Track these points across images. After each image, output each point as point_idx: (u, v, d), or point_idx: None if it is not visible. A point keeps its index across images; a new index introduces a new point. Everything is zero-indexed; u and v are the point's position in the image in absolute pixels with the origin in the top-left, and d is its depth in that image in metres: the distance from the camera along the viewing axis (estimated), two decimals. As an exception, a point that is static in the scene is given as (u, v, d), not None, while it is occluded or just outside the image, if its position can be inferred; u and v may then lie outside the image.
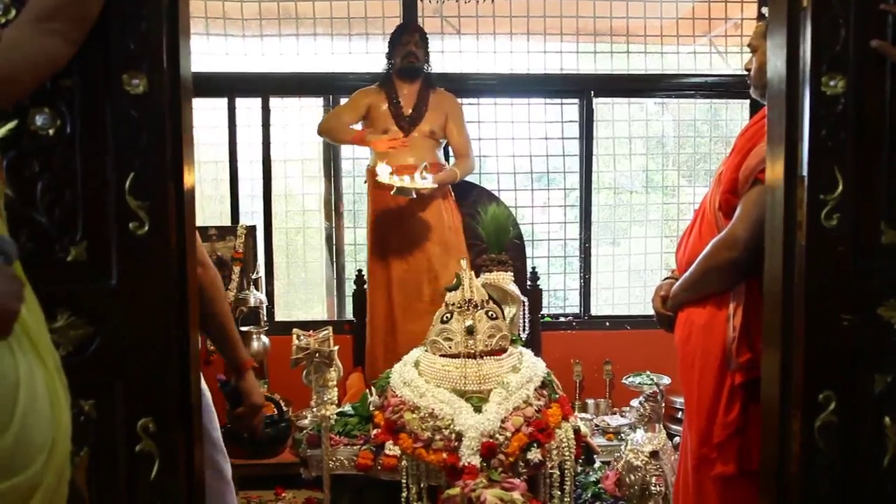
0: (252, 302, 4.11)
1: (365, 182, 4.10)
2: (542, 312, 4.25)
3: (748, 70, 2.14)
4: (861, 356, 1.53)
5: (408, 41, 3.99)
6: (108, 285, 1.44)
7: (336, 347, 2.87)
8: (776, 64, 1.58)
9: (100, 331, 1.43)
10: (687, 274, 2.14)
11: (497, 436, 2.69)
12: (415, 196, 3.75)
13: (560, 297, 4.76)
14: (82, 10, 1.33)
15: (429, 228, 3.95)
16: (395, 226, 3.93)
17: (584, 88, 4.51)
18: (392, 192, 3.71)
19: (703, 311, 2.11)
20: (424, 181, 3.73)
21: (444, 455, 2.68)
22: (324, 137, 4.10)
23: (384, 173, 3.68)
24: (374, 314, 4.01)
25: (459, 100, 4.19)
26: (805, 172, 1.50)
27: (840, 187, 1.49)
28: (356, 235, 4.65)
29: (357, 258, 4.59)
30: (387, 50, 4.08)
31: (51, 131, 1.41)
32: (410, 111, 3.97)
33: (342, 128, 3.96)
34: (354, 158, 4.62)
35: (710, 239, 2.08)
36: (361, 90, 4.05)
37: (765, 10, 1.82)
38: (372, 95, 4.00)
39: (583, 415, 3.95)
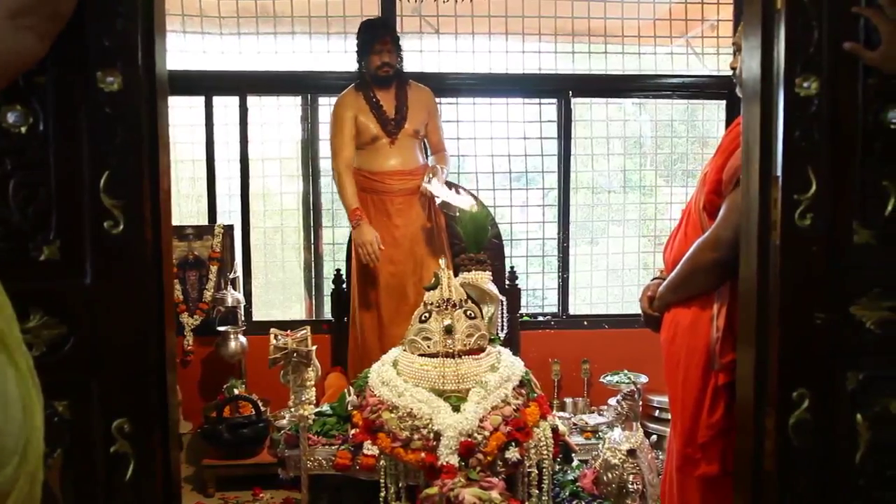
0: (229, 301, 4.09)
1: None
2: (520, 312, 4.26)
3: (734, 69, 2.12)
4: (834, 354, 1.54)
5: (380, 50, 3.87)
6: (82, 284, 1.42)
7: (314, 347, 2.86)
8: (751, 65, 1.60)
9: (74, 330, 1.42)
10: (672, 275, 2.15)
11: (475, 435, 2.70)
12: (456, 214, 3.88)
13: (538, 296, 4.78)
14: (55, 6, 1.30)
15: (417, 230, 3.94)
16: (384, 228, 3.88)
17: (562, 88, 4.52)
18: (437, 204, 3.91)
19: (688, 311, 2.11)
20: (460, 198, 3.91)
21: (423, 454, 2.68)
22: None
23: (437, 188, 3.84)
24: (360, 316, 3.96)
25: (437, 99, 4.18)
26: (779, 173, 1.51)
27: (813, 188, 1.50)
28: (334, 235, 4.63)
29: (336, 258, 4.57)
30: (357, 50, 3.98)
31: (23, 129, 1.38)
32: (394, 114, 3.92)
33: (350, 191, 3.86)
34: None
35: (695, 239, 2.08)
36: (339, 104, 3.94)
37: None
38: (352, 106, 3.91)
39: (561, 413, 3.97)
